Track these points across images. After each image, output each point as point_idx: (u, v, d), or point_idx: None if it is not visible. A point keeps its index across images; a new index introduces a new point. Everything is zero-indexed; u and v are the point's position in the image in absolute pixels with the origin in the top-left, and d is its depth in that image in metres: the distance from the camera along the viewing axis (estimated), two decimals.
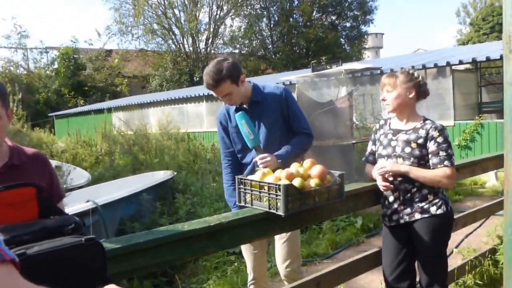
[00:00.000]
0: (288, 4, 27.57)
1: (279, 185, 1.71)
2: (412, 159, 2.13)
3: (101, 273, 1.11)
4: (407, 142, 2.16)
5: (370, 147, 2.39)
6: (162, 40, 27.82)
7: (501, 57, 7.68)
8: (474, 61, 9.03)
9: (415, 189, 2.16)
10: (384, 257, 2.32)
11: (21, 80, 22.08)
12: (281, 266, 2.52)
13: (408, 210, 2.17)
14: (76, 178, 6.88)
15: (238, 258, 4.24)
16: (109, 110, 18.21)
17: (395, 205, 2.21)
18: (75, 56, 26.00)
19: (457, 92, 9.02)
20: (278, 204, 1.72)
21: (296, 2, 27.81)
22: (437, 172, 2.10)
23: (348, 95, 5.78)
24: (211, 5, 27.13)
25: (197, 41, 27.24)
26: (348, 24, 29.24)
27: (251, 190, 1.84)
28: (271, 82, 6.24)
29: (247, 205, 1.87)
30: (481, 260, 3.20)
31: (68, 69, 25.31)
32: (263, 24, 28.90)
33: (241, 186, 1.90)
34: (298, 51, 28.28)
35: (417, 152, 2.13)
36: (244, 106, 2.41)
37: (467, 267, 3.06)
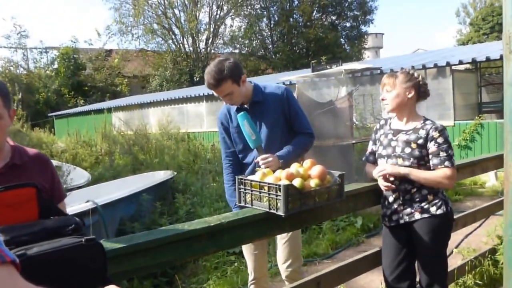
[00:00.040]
0: (288, 4, 27.58)
1: (279, 185, 1.71)
2: (412, 159, 2.13)
3: (102, 273, 1.11)
4: (407, 143, 2.16)
5: (370, 146, 2.39)
6: (162, 40, 27.86)
7: (501, 57, 7.69)
8: (474, 61, 9.03)
9: (415, 190, 2.16)
10: (384, 257, 2.32)
11: (21, 80, 22.08)
12: (282, 266, 2.52)
13: (408, 210, 2.17)
14: (76, 178, 6.88)
15: (238, 258, 4.24)
16: (109, 110, 18.22)
17: (395, 205, 2.21)
18: (75, 56, 26.00)
19: (457, 92, 9.02)
20: (278, 204, 1.72)
21: (296, 2, 27.82)
22: (438, 173, 2.10)
23: (348, 95, 5.78)
24: (211, 5, 27.17)
25: (197, 41, 27.28)
26: (348, 24, 29.26)
27: (251, 190, 1.84)
28: (271, 82, 6.23)
29: (247, 205, 1.87)
30: (481, 260, 3.20)
31: (68, 69, 25.30)
32: (263, 24, 28.93)
33: (241, 186, 1.90)
34: (298, 51, 28.28)
35: (417, 152, 2.13)
36: (245, 106, 2.41)
37: (467, 267, 3.06)
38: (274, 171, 1.96)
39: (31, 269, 0.90)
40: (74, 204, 4.40)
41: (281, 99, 2.41)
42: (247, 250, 2.55)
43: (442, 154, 2.10)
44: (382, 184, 2.16)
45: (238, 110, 2.35)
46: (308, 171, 1.90)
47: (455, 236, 3.68)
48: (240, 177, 1.95)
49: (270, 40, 29.14)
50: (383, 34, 52.72)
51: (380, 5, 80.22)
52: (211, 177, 7.72)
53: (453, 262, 3.22)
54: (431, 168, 2.13)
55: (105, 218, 4.50)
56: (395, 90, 2.19)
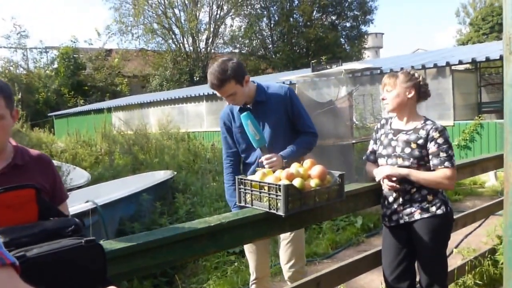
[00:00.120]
0: (288, 4, 27.58)
1: (279, 185, 1.71)
2: (411, 159, 2.13)
3: (101, 274, 1.11)
4: (407, 143, 2.16)
5: (371, 146, 2.39)
6: (162, 39, 27.84)
7: (501, 57, 7.69)
8: (473, 61, 9.03)
9: (414, 190, 2.16)
10: (384, 257, 2.32)
11: (20, 80, 22.10)
12: (285, 266, 2.52)
13: (408, 210, 2.17)
14: (76, 178, 6.88)
15: (238, 258, 4.24)
16: (109, 109, 18.21)
17: (395, 205, 2.21)
18: (75, 55, 25.98)
19: (457, 92, 9.01)
20: (278, 204, 1.72)
21: (296, 2, 27.82)
22: (438, 174, 2.10)
23: (348, 95, 5.78)
24: (211, 4, 27.16)
25: (197, 41, 27.27)
26: (348, 24, 29.26)
27: (251, 190, 1.84)
28: (271, 81, 6.23)
29: (247, 205, 1.87)
30: (480, 260, 3.20)
31: (68, 69, 25.28)
32: (263, 24, 28.93)
33: (241, 186, 1.90)
34: (298, 50, 28.28)
35: (416, 152, 2.13)
36: (248, 106, 2.40)
37: (467, 267, 3.06)
38: (274, 171, 1.96)
39: (31, 270, 0.90)
40: (74, 204, 4.40)
41: (284, 99, 2.41)
42: (249, 249, 2.55)
43: (442, 154, 2.10)
44: (386, 184, 2.16)
45: (241, 110, 2.35)
46: (308, 171, 1.90)
47: (455, 236, 3.68)
48: (240, 177, 1.94)
49: (270, 40, 29.14)
50: (383, 34, 52.74)
51: (380, 5, 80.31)
52: (211, 176, 7.72)
53: (453, 262, 3.22)
54: (431, 168, 2.13)
55: (105, 218, 4.50)
56: (396, 90, 2.19)
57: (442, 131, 2.13)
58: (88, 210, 4.32)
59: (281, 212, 1.71)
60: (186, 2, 26.93)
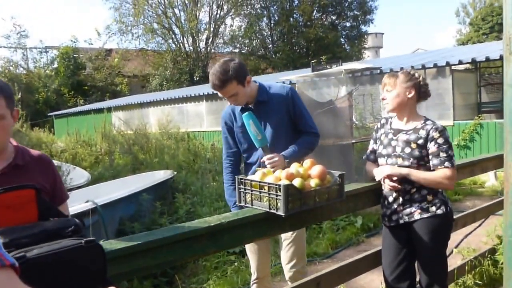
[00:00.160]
0: (288, 3, 27.57)
1: (279, 185, 1.71)
2: (411, 159, 2.13)
3: (101, 274, 1.11)
4: (407, 143, 2.16)
5: (371, 145, 2.39)
6: (162, 39, 27.83)
7: (501, 57, 7.69)
8: (473, 61, 9.03)
9: (414, 190, 2.16)
10: (384, 257, 2.32)
11: (20, 80, 22.09)
12: (286, 266, 2.52)
13: (408, 210, 2.17)
14: (76, 178, 6.88)
15: (238, 258, 4.24)
16: (109, 109, 18.21)
17: (395, 205, 2.21)
18: (74, 55, 25.97)
19: (457, 92, 9.02)
20: (278, 204, 1.72)
21: (296, 2, 27.82)
22: (438, 174, 2.10)
23: (348, 95, 5.78)
24: (211, 4, 27.15)
25: (197, 41, 27.25)
26: (348, 24, 29.25)
27: (251, 190, 1.84)
28: (271, 81, 6.23)
29: (247, 205, 1.87)
30: (480, 260, 3.20)
31: (68, 69, 25.28)
32: (263, 24, 28.92)
33: (241, 186, 1.90)
34: (298, 50, 28.28)
35: (416, 152, 2.13)
36: (250, 106, 2.40)
37: (466, 267, 3.06)
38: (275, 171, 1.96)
39: (31, 271, 0.90)
40: (74, 204, 4.40)
41: (286, 99, 2.40)
42: (250, 249, 2.55)
43: (442, 154, 2.10)
44: (388, 184, 2.16)
45: (242, 110, 2.34)
46: (308, 171, 1.90)
47: (455, 236, 3.69)
48: (240, 177, 1.94)
49: (270, 39, 29.14)
50: (383, 34, 52.72)
51: (380, 5, 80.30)
52: (211, 176, 7.72)
53: (453, 262, 3.22)
54: (431, 168, 2.13)
55: (104, 218, 4.50)
56: (396, 90, 2.19)
57: (442, 131, 2.13)
58: (88, 210, 4.32)
59: (281, 212, 1.71)
60: (186, 2, 26.93)
